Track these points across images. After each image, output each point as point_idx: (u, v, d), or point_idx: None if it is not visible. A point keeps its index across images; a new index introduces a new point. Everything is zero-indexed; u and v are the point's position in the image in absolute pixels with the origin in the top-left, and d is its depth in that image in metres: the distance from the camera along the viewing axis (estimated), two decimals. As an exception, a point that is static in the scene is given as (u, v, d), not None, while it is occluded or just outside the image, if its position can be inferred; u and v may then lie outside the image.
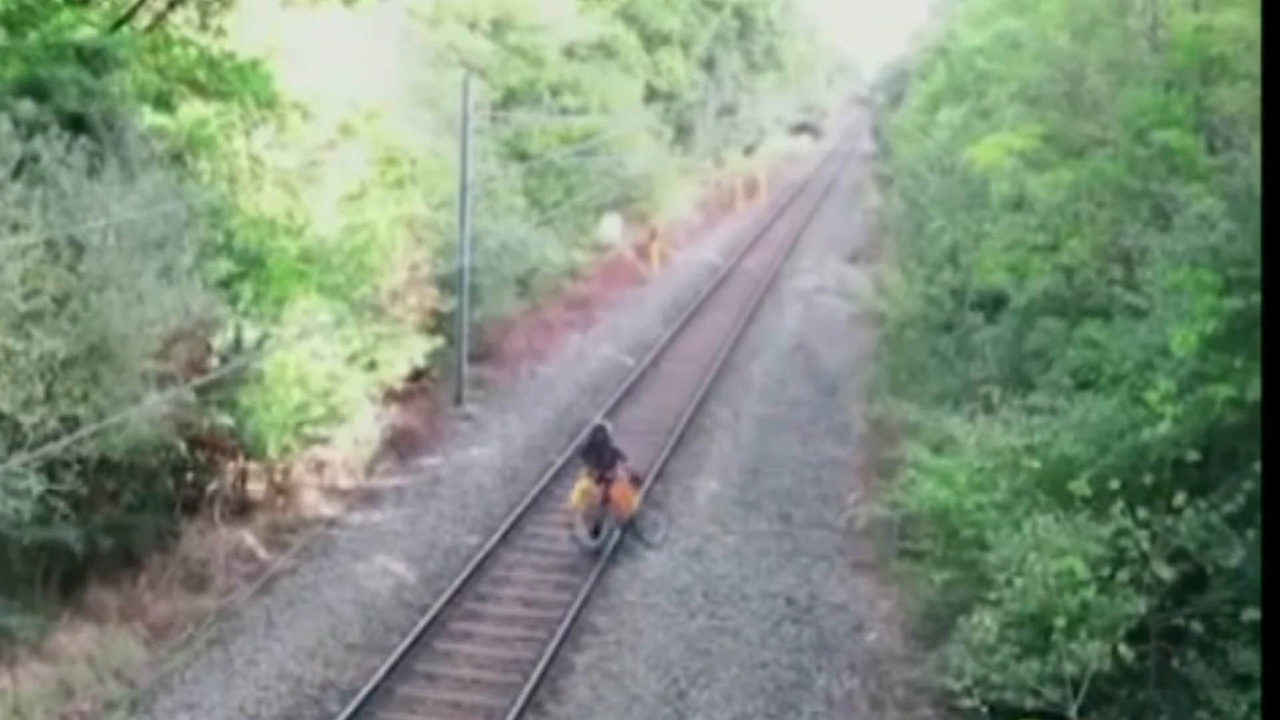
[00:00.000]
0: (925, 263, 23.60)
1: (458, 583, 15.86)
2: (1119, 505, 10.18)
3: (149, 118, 16.21)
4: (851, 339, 30.35)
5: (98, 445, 13.16)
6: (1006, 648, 10.46)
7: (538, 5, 35.41)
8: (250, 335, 16.36)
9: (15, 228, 12.56)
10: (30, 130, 13.18)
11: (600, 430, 17.74)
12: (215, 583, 15.46)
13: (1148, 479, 10.47)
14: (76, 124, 13.80)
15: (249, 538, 16.71)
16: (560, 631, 14.62)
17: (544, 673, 13.73)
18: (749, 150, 68.79)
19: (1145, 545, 10.07)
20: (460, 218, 23.09)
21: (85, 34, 14.36)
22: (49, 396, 12.87)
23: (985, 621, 10.54)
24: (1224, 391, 10.36)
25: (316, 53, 18.68)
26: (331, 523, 17.93)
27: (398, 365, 20.13)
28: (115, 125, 14.37)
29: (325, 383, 17.79)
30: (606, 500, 17.08)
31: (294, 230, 17.97)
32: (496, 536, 17.33)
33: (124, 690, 13.11)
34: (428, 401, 22.60)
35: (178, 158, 16.53)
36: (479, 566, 16.47)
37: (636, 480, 17.78)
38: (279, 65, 17.63)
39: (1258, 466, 9.05)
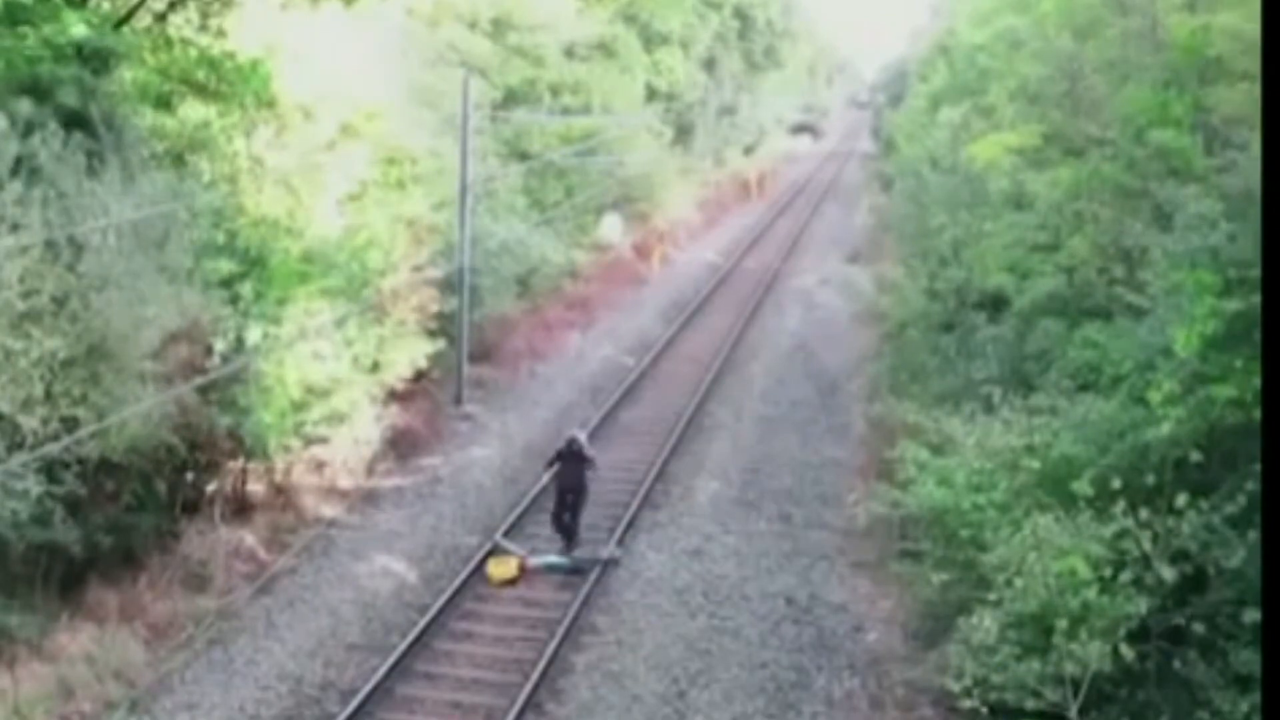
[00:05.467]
0: (927, 261, 23.62)
1: (458, 582, 15.86)
2: (1120, 506, 10.18)
3: (150, 118, 16.22)
4: (851, 339, 30.36)
5: (97, 445, 13.16)
6: (1006, 648, 10.45)
7: (538, 5, 35.39)
8: (252, 335, 16.36)
9: (15, 227, 12.56)
10: (29, 129, 13.17)
11: (573, 441, 17.55)
12: (215, 583, 15.44)
13: (1149, 479, 10.46)
14: (76, 123, 13.79)
15: (249, 538, 16.70)
16: (560, 631, 14.62)
17: (544, 673, 13.73)
18: (749, 150, 68.82)
19: (1147, 546, 10.07)
20: (460, 218, 23.09)
21: (84, 32, 14.33)
22: (48, 397, 12.87)
23: (985, 622, 10.53)
24: (1225, 392, 10.36)
25: (317, 53, 18.67)
26: (331, 523, 17.93)
27: (399, 366, 20.13)
28: (115, 125, 14.36)
29: (326, 383, 17.79)
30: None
31: (295, 231, 17.97)
32: (497, 536, 17.32)
33: (124, 690, 13.10)
34: (428, 401, 22.60)
35: (178, 158, 16.54)
36: (479, 566, 16.46)
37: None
38: (279, 66, 17.63)
39: (1258, 467, 9.05)
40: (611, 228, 38.41)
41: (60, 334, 12.95)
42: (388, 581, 16.24)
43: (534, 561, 16.58)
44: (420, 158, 22.38)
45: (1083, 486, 10.49)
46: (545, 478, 18.30)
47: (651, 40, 46.43)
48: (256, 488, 17.93)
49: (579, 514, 17.11)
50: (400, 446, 20.59)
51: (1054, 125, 19.08)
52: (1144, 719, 10.60)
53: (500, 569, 16.31)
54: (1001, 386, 13.47)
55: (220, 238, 16.45)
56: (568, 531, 16.99)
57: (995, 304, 19.02)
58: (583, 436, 17.84)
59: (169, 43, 17.09)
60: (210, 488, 16.70)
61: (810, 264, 42.25)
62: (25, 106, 13.30)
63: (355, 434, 19.01)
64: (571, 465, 17.20)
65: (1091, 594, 10.14)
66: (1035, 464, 11.56)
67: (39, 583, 13.88)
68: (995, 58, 27.13)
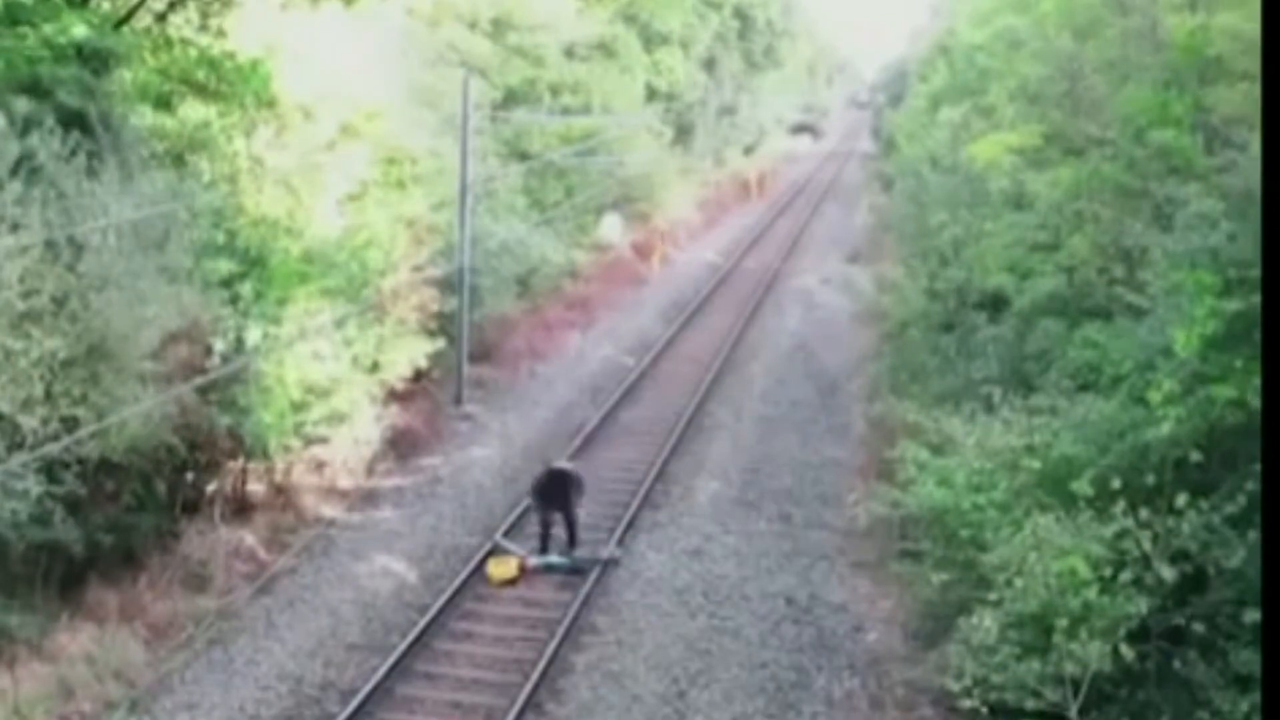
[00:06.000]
0: (928, 261, 23.63)
1: (458, 583, 15.86)
2: (1120, 506, 10.18)
3: (150, 118, 16.22)
4: (852, 339, 30.36)
5: (97, 445, 13.15)
6: (1006, 648, 10.44)
7: (538, 5, 35.41)
8: (251, 336, 16.36)
9: (15, 227, 12.55)
10: (28, 128, 13.16)
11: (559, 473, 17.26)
12: (215, 583, 15.44)
13: (1149, 479, 10.46)
14: (75, 123, 13.79)
15: (249, 538, 16.70)
16: (560, 631, 14.62)
17: (544, 673, 13.73)
18: (749, 150, 68.83)
19: (1147, 546, 10.07)
20: (460, 218, 23.09)
21: (85, 33, 14.32)
22: (48, 397, 12.86)
23: (985, 622, 10.53)
24: (1225, 392, 10.36)
25: (317, 53, 18.67)
26: (331, 523, 17.93)
27: (399, 366, 20.13)
28: (113, 125, 14.35)
29: (326, 383, 17.79)
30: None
31: (295, 231, 17.97)
32: (497, 536, 17.31)
33: (124, 690, 13.10)
34: (428, 401, 22.60)
35: (178, 158, 16.54)
36: (479, 566, 16.46)
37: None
38: (279, 66, 17.62)
39: (1258, 467, 9.05)
40: (611, 228, 38.42)
41: (60, 334, 12.95)
42: (388, 581, 16.24)
43: (534, 561, 16.58)
44: (420, 158, 22.38)
45: (1082, 486, 10.48)
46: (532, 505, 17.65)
47: (651, 40, 46.43)
48: (256, 488, 17.93)
49: (574, 529, 16.95)
50: (400, 446, 20.59)
51: (1054, 125, 19.08)
52: (1144, 719, 10.60)
53: (500, 569, 16.31)
54: (1001, 386, 13.47)
55: (220, 238, 16.44)
56: (544, 543, 16.84)
57: (995, 304, 19.02)
58: (567, 465, 17.65)
59: (169, 43, 17.08)
60: (210, 488, 16.70)
61: (810, 264, 42.26)
62: (24, 106, 13.29)
63: (355, 434, 19.01)
64: (555, 492, 17.00)
65: (1091, 594, 10.13)
66: (1035, 464, 11.56)
67: (39, 583, 13.88)
68: (995, 58, 27.12)
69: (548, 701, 13.41)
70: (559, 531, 16.91)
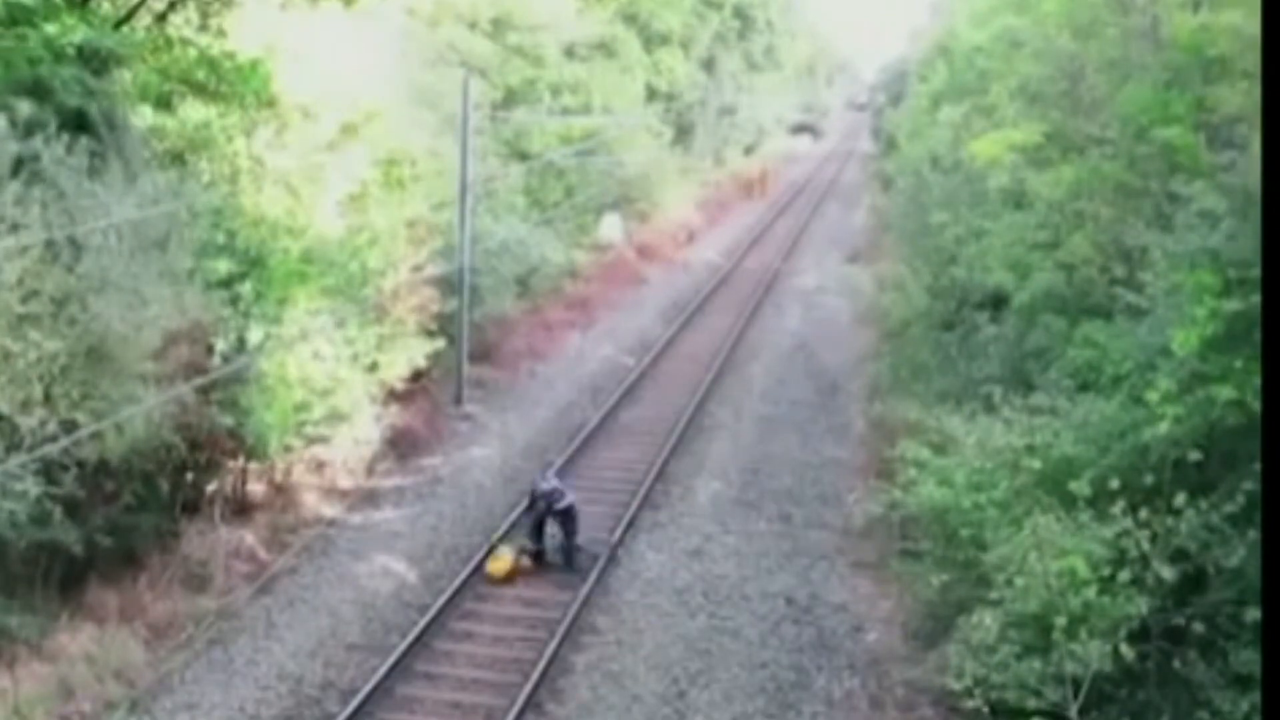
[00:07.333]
0: (930, 260, 23.63)
1: (458, 582, 15.86)
2: (1120, 505, 10.17)
3: (150, 118, 16.22)
4: (851, 339, 30.37)
5: (96, 447, 13.15)
6: (1007, 647, 10.45)
7: (538, 5, 35.41)
8: (252, 336, 16.36)
9: (14, 228, 12.55)
10: (29, 129, 13.16)
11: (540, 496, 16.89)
12: (215, 583, 15.45)
13: (1148, 479, 10.46)
14: (77, 124, 13.78)
15: (249, 538, 16.70)
16: (560, 631, 14.62)
17: (544, 673, 13.73)
18: (749, 150, 68.86)
19: (1146, 545, 10.06)
20: (460, 218, 23.09)
21: (85, 34, 14.31)
22: (48, 398, 12.86)
23: (985, 621, 10.54)
24: (1225, 392, 10.35)
25: (317, 53, 18.66)
26: (331, 523, 17.93)
27: (399, 366, 20.13)
28: (115, 125, 14.35)
29: (326, 383, 17.79)
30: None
31: (295, 231, 17.97)
32: (496, 536, 17.30)
33: (124, 690, 13.11)
34: (428, 401, 22.60)
35: (178, 158, 16.54)
36: (479, 566, 16.46)
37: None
38: (279, 66, 17.62)
39: (1258, 467, 9.05)
40: (611, 227, 38.44)
41: (59, 336, 12.94)
42: (388, 581, 16.24)
43: (533, 561, 16.59)
44: (420, 158, 22.37)
45: (1081, 487, 10.47)
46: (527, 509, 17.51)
47: (651, 40, 46.45)
48: (256, 488, 17.94)
49: (573, 538, 16.82)
50: (400, 446, 20.59)
51: (1054, 124, 19.05)
52: (1144, 719, 10.60)
53: (499, 566, 16.32)
54: (1002, 386, 13.47)
55: (220, 238, 16.44)
56: (538, 540, 16.73)
57: (996, 303, 19.02)
58: (566, 502, 16.84)
59: (169, 43, 17.07)
60: (210, 488, 16.70)
61: (810, 264, 42.29)
62: (26, 107, 13.28)
63: (355, 434, 19.01)
64: (550, 516, 16.81)
65: (1091, 594, 10.13)
66: (1036, 464, 11.54)
67: (39, 583, 13.88)
68: (994, 58, 27.09)
69: (548, 701, 13.42)
70: (555, 530, 16.88)
